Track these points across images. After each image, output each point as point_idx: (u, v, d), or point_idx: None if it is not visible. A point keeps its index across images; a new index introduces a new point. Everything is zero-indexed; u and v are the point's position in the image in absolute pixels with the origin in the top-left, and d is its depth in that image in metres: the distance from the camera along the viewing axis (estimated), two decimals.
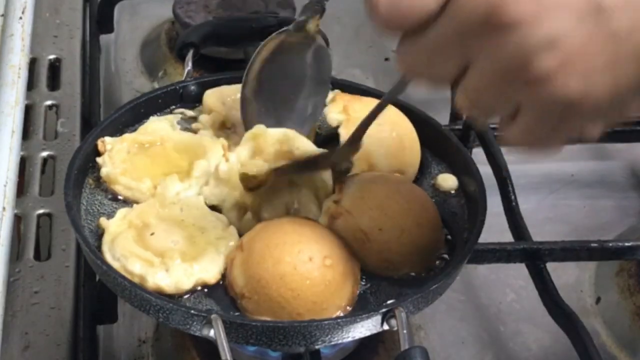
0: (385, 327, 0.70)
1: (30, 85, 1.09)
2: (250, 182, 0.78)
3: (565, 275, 0.95)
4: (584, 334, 0.80)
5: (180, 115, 0.90)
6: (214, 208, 0.80)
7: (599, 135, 0.61)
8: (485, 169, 0.88)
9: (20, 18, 1.10)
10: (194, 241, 0.76)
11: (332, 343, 0.71)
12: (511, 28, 0.54)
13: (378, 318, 0.70)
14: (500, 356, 0.89)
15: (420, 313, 0.74)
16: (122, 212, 0.79)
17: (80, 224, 0.77)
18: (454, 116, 1.07)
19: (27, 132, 1.05)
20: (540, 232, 0.91)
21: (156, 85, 1.18)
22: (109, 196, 0.82)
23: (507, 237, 0.90)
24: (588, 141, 0.62)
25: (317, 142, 0.85)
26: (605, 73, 0.56)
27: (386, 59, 1.24)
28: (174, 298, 0.73)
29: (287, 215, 0.79)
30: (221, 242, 0.76)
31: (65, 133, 1.07)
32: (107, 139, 0.85)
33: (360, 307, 0.74)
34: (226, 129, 0.88)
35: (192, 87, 0.92)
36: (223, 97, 0.90)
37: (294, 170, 0.80)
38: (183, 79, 0.94)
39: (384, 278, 0.76)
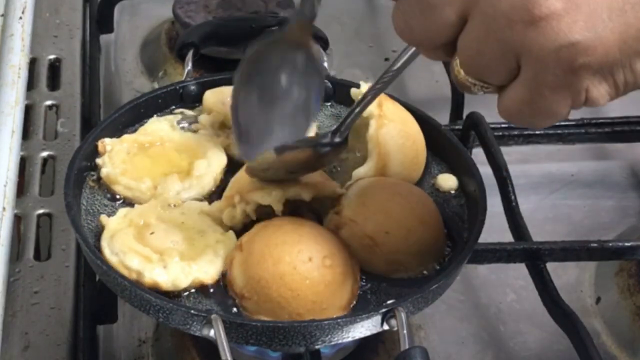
0: (385, 327, 0.70)
1: (30, 85, 1.09)
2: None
3: (565, 275, 0.95)
4: (584, 334, 0.80)
5: (180, 116, 0.90)
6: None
7: (606, 101, 0.58)
8: (485, 169, 0.88)
9: (20, 18, 1.10)
10: (193, 243, 0.76)
11: (332, 343, 0.71)
12: None
13: (378, 318, 0.70)
14: (500, 356, 0.89)
15: (420, 313, 0.74)
16: (123, 211, 0.79)
17: (80, 224, 0.77)
18: (454, 116, 1.07)
19: (27, 132, 1.05)
20: (540, 232, 0.91)
21: (156, 85, 1.18)
22: (109, 196, 0.82)
23: (507, 237, 0.90)
24: (594, 106, 0.58)
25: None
26: (614, 18, 0.54)
27: (386, 59, 1.24)
28: (171, 296, 0.73)
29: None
30: (220, 246, 0.76)
31: (65, 133, 1.07)
32: (107, 140, 0.85)
33: (360, 307, 0.74)
34: (226, 129, 0.88)
35: (192, 87, 0.92)
36: (223, 97, 0.90)
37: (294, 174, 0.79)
38: (183, 79, 0.94)
39: (384, 278, 0.76)
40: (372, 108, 0.83)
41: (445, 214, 0.82)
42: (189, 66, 0.96)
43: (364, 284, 0.76)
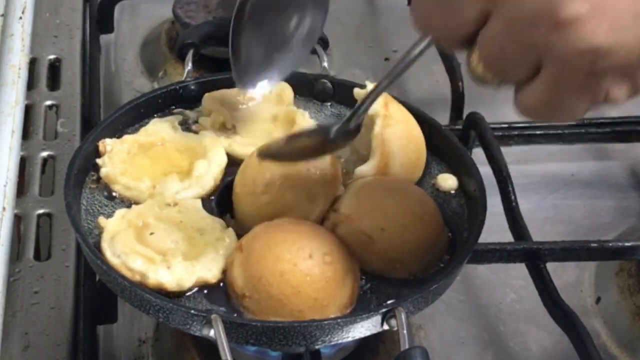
0: (385, 327, 0.70)
1: (30, 85, 1.09)
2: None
3: (565, 275, 0.95)
4: (584, 334, 0.80)
5: (181, 116, 0.90)
6: (210, 212, 0.80)
7: (625, 101, 0.58)
8: (485, 169, 0.88)
9: (20, 18, 1.10)
10: (193, 242, 0.77)
11: (332, 343, 0.71)
12: None
13: (378, 318, 0.70)
14: (500, 356, 0.89)
15: (420, 313, 0.74)
16: (120, 212, 0.79)
17: (80, 224, 0.77)
18: (454, 116, 1.07)
19: (27, 132, 1.05)
20: (540, 232, 0.91)
21: (156, 85, 1.18)
22: (109, 196, 0.82)
23: (507, 237, 0.90)
24: (613, 105, 0.58)
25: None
26: (637, 24, 0.54)
27: (386, 59, 1.24)
28: (174, 297, 0.73)
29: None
30: (220, 243, 0.76)
31: (65, 133, 1.07)
32: (108, 140, 0.85)
33: (360, 307, 0.74)
34: (226, 130, 0.89)
35: (192, 87, 0.92)
36: (223, 99, 0.90)
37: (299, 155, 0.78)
38: (183, 79, 0.94)
39: (384, 278, 0.76)
40: (378, 107, 0.83)
41: (445, 213, 0.82)
42: (189, 66, 0.96)
43: (364, 283, 0.76)
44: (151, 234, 0.76)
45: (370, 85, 0.85)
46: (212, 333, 0.68)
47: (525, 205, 0.93)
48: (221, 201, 0.82)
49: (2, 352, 0.81)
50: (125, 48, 1.26)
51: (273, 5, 0.80)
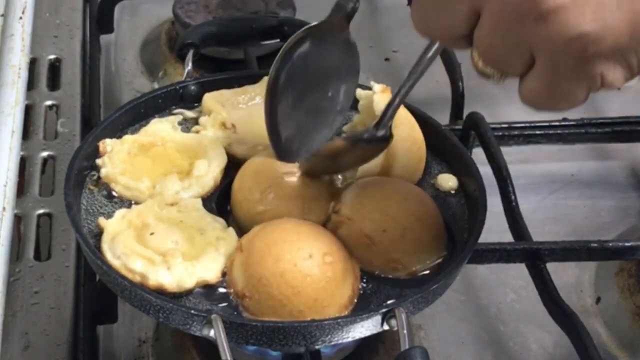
0: (385, 327, 0.70)
1: (30, 85, 1.09)
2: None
3: (565, 275, 0.94)
4: (584, 334, 0.80)
5: (181, 116, 0.90)
6: (210, 211, 0.80)
7: (622, 83, 0.58)
8: (485, 169, 0.88)
9: (20, 18, 1.10)
10: (193, 242, 0.77)
11: (332, 343, 0.71)
12: None
13: (378, 318, 0.70)
14: (500, 356, 0.89)
15: (420, 313, 0.74)
16: (120, 212, 0.79)
17: (80, 224, 0.77)
18: (454, 116, 1.07)
19: (27, 132, 1.05)
20: (540, 232, 0.91)
21: (156, 85, 1.18)
22: (109, 196, 0.82)
23: (507, 237, 0.90)
24: (612, 89, 0.58)
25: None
26: (622, 7, 0.54)
27: (386, 59, 1.24)
28: (174, 297, 0.73)
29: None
30: (221, 243, 0.76)
31: (65, 133, 1.07)
32: (108, 140, 0.85)
33: (360, 307, 0.74)
34: (226, 129, 0.88)
35: (192, 87, 0.92)
36: (223, 99, 0.91)
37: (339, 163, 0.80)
38: (183, 79, 0.94)
39: (384, 278, 0.76)
40: (382, 109, 0.83)
41: (445, 214, 0.82)
42: (189, 66, 0.96)
43: (364, 283, 0.76)
44: (151, 234, 0.76)
45: (376, 86, 0.85)
46: (212, 333, 0.68)
47: (525, 205, 0.93)
48: (221, 201, 0.82)
49: (2, 352, 0.81)
50: (125, 48, 1.26)
51: (307, 80, 0.81)
